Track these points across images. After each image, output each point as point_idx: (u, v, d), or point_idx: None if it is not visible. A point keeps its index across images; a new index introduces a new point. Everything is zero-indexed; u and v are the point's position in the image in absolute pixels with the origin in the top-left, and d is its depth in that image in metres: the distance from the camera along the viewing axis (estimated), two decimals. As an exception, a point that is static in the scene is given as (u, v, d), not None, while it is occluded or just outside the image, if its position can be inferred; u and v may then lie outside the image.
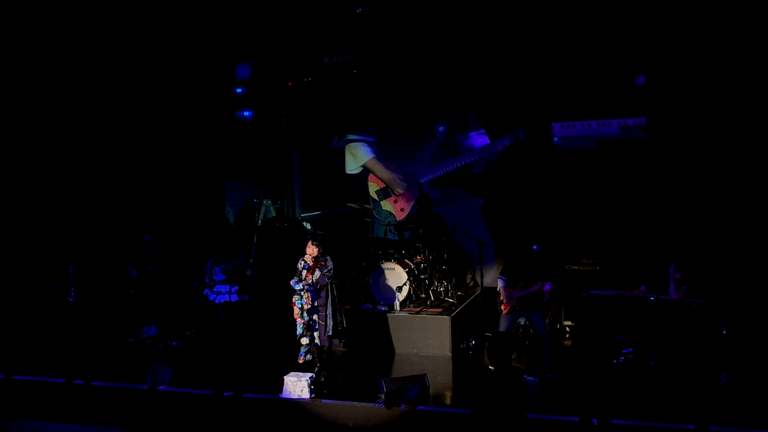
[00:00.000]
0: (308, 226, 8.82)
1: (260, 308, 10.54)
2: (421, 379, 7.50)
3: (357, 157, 8.38)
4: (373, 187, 8.65)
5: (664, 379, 8.14)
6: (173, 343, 10.03)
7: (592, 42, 8.58)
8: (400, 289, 9.96)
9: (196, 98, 12.94)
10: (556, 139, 7.77)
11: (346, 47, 7.87)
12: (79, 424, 8.11)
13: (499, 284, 8.73)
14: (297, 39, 8.23)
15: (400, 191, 8.55)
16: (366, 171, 8.65)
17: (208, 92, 13.02)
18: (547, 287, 8.45)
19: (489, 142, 8.01)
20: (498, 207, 8.42)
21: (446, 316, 9.59)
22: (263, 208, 9.24)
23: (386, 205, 8.61)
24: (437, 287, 10.51)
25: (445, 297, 10.38)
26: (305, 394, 7.74)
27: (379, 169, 8.15)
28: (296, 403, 7.72)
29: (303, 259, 8.43)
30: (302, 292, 8.35)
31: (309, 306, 8.35)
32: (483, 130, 8.08)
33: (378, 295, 10.20)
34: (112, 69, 12.44)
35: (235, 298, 9.67)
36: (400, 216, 8.54)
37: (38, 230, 12.18)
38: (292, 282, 8.39)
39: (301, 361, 8.40)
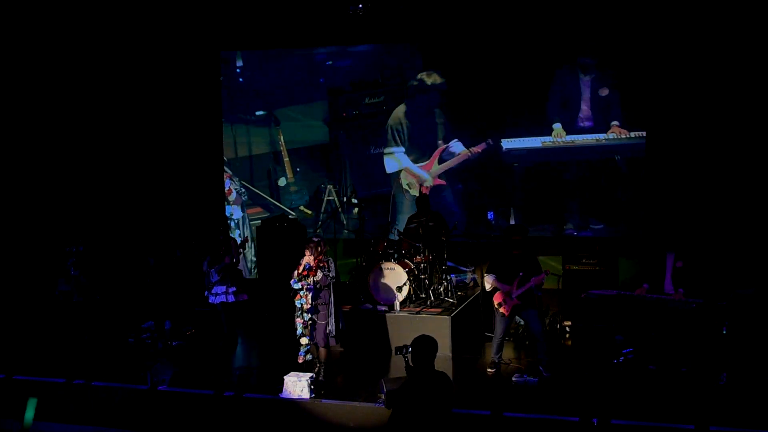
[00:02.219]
0: (354, 200, 12.36)
1: (260, 308, 10.55)
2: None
3: (397, 159, 12.89)
4: (404, 180, 12.85)
5: (664, 379, 8.14)
6: (173, 343, 10.03)
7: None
8: (400, 289, 9.95)
9: (197, 98, 12.98)
10: (504, 149, 12.06)
11: (379, 93, 12.76)
12: (79, 424, 8.10)
13: (489, 280, 8.65)
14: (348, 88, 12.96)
15: (422, 182, 12.63)
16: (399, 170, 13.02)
17: (211, 91, 13.08)
18: (541, 278, 8.40)
19: (465, 149, 12.40)
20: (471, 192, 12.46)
21: (446, 316, 9.59)
22: (327, 191, 13.05)
23: (413, 191, 12.72)
24: (437, 287, 10.51)
25: (445, 297, 10.38)
26: (305, 394, 7.74)
27: (411, 170, 12.76)
28: (296, 403, 7.73)
29: (303, 261, 8.42)
30: (302, 292, 8.35)
31: (309, 306, 8.34)
32: (459, 141, 12.45)
33: (378, 295, 10.19)
34: (117, 65, 12.46)
35: (231, 299, 9.66)
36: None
37: (40, 230, 12.18)
38: (291, 282, 8.39)
39: (301, 361, 8.39)
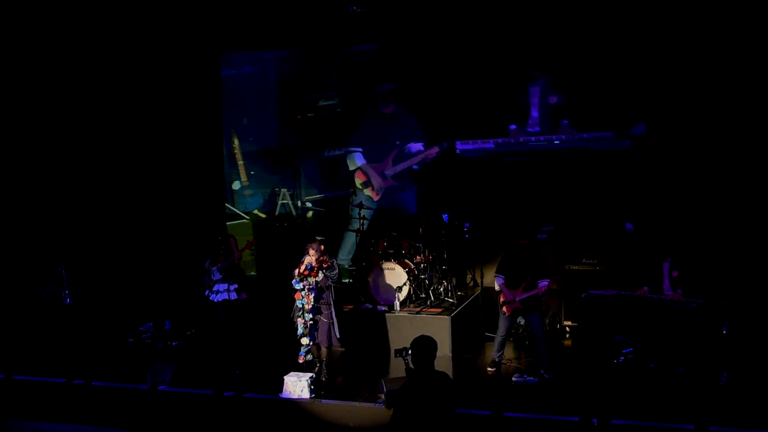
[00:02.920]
0: (309, 205, 12.35)
1: (260, 307, 10.54)
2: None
3: (353, 161, 12.53)
4: (358, 180, 12.41)
5: (664, 379, 8.14)
6: (173, 343, 10.03)
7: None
8: (400, 289, 9.96)
9: (197, 97, 12.97)
10: (458, 151, 11.84)
11: (334, 95, 12.52)
12: (79, 424, 8.10)
13: (497, 282, 8.71)
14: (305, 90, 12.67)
15: (377, 184, 12.36)
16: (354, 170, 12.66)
17: (210, 90, 13.07)
18: (546, 286, 8.43)
19: (423, 149, 12.20)
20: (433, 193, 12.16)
21: (446, 316, 9.59)
22: (281, 195, 12.81)
23: (366, 191, 12.36)
24: (437, 287, 10.51)
25: (445, 297, 10.38)
26: (305, 394, 7.74)
27: (368, 169, 12.45)
28: (296, 403, 7.73)
29: (305, 260, 8.42)
30: (303, 292, 8.35)
31: (310, 306, 8.35)
32: (418, 143, 12.22)
33: (378, 295, 10.19)
34: (112, 67, 12.44)
35: (233, 296, 9.66)
36: (375, 198, 12.29)
37: (31, 233, 12.13)
38: (293, 282, 8.39)
39: (301, 361, 8.40)
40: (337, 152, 12.55)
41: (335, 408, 7.65)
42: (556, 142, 11.42)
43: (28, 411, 8.30)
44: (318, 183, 12.73)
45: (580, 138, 11.27)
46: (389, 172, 12.34)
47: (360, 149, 12.48)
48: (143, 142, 12.71)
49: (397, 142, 12.30)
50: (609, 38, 10.89)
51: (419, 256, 10.43)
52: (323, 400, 7.75)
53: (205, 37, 12.57)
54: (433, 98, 11.88)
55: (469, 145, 11.79)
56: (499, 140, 11.66)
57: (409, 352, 5.63)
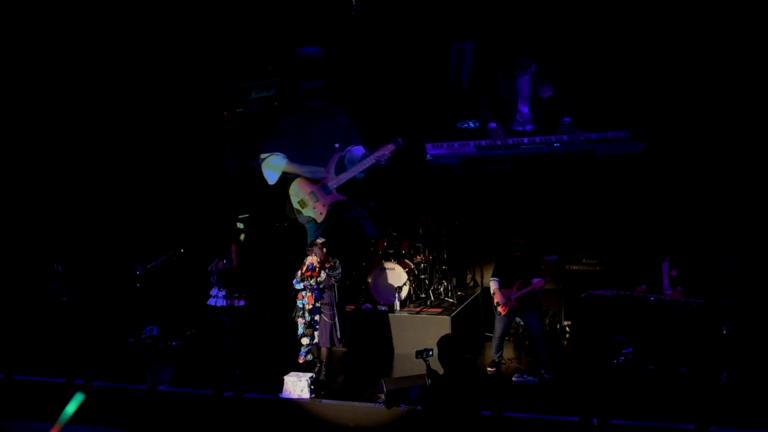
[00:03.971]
0: (240, 225, 10.56)
1: (260, 309, 10.52)
2: (421, 379, 7.48)
3: (275, 167, 10.16)
4: (295, 199, 10.33)
5: (664, 379, 8.14)
6: (173, 343, 10.03)
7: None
8: (400, 289, 9.96)
9: (196, 98, 12.93)
10: (429, 156, 9.52)
11: (269, 85, 10.02)
12: (79, 424, 8.09)
13: (493, 286, 8.71)
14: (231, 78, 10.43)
15: (318, 198, 10.26)
16: (286, 187, 10.37)
17: (208, 92, 13.02)
18: (541, 281, 8.44)
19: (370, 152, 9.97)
20: (384, 210, 10.08)
21: (446, 316, 9.59)
22: None
23: (308, 211, 10.34)
24: (437, 287, 10.51)
25: (445, 297, 10.38)
26: (305, 394, 7.74)
27: (296, 168, 10.06)
28: (296, 403, 7.73)
29: (308, 260, 8.41)
30: (304, 293, 8.35)
31: (311, 306, 8.35)
32: (360, 146, 10.04)
33: (378, 295, 10.19)
34: (109, 68, 12.41)
35: (221, 302, 9.22)
36: (320, 218, 10.20)
37: (28, 231, 12.11)
38: (294, 282, 8.39)
39: (301, 361, 8.39)
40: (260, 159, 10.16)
41: (335, 408, 7.65)
42: (556, 144, 9.48)
43: (28, 411, 8.30)
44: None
45: (588, 139, 9.44)
46: (333, 183, 10.21)
47: (283, 155, 10.17)
48: (142, 138, 12.66)
49: (336, 145, 10.23)
50: (613, 17, 9.11)
51: (419, 256, 10.43)
52: (323, 400, 7.75)
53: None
54: (386, 85, 9.65)
55: (443, 149, 9.52)
56: (482, 142, 9.48)
57: (431, 353, 5.49)
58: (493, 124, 9.69)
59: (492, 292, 8.72)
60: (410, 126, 9.79)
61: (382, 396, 7.43)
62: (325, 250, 8.40)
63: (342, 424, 7.55)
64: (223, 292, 9.21)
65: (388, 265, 10.16)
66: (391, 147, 9.97)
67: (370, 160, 10.19)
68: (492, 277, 8.77)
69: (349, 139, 10.21)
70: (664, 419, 7.00)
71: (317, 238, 8.84)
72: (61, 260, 10.93)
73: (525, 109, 9.59)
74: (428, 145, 9.66)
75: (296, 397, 7.75)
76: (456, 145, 9.57)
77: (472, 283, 11.39)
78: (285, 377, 7.87)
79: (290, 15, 10.06)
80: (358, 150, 10.15)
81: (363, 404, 7.60)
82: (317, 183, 10.25)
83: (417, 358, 5.89)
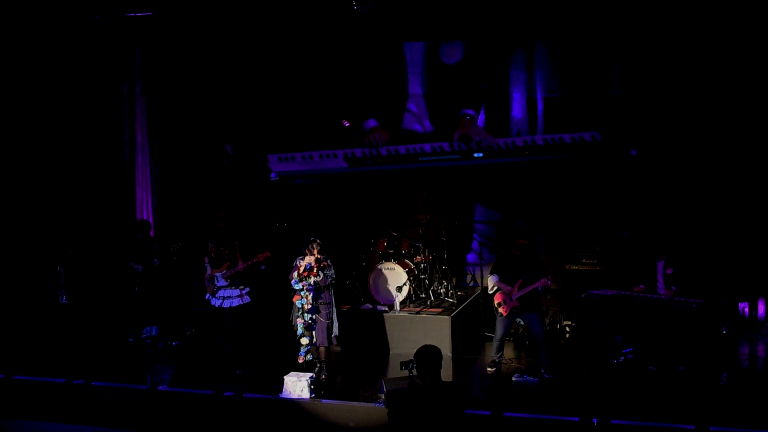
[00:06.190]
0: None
1: (260, 309, 10.51)
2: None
3: None
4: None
5: (664, 379, 8.14)
6: (173, 343, 10.02)
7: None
8: (400, 289, 9.96)
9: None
10: (273, 175, 6.67)
11: None
12: (79, 424, 8.10)
13: (492, 281, 8.66)
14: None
15: None
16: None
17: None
18: (548, 282, 8.43)
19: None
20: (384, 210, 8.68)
21: (446, 316, 9.59)
22: None
23: None
24: (437, 287, 10.51)
25: (445, 297, 10.38)
26: (305, 394, 7.74)
27: None
28: (296, 403, 7.73)
29: (303, 259, 8.41)
30: (303, 292, 8.35)
31: (309, 306, 8.35)
32: None
33: (378, 295, 10.19)
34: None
35: (247, 299, 9.32)
36: None
37: (27, 231, 12.08)
38: (292, 282, 8.39)
39: (301, 361, 8.39)
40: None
41: (335, 408, 7.64)
42: (476, 155, 6.84)
43: (28, 411, 8.30)
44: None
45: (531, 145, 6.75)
46: None
47: None
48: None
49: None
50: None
51: (419, 256, 10.43)
52: (323, 400, 7.75)
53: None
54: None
55: (296, 165, 6.61)
56: (357, 151, 6.44)
57: (415, 364, 5.45)
58: (372, 122, 6.98)
59: (490, 289, 8.69)
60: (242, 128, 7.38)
61: (382, 396, 7.43)
62: (317, 249, 8.39)
63: (342, 424, 7.55)
64: (237, 292, 9.22)
65: (388, 265, 10.16)
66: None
67: None
68: (491, 273, 8.74)
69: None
70: (664, 419, 7.00)
71: (312, 237, 8.80)
72: (64, 263, 10.93)
73: (413, 107, 6.65)
74: (271, 158, 7.02)
75: (296, 397, 7.75)
76: (317, 157, 6.71)
77: (472, 283, 11.40)
78: (285, 377, 7.87)
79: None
80: None
81: (363, 404, 7.60)
82: None
83: (402, 369, 5.85)
